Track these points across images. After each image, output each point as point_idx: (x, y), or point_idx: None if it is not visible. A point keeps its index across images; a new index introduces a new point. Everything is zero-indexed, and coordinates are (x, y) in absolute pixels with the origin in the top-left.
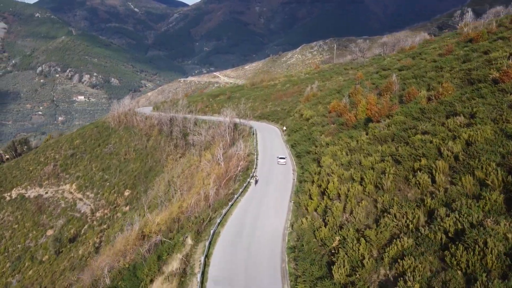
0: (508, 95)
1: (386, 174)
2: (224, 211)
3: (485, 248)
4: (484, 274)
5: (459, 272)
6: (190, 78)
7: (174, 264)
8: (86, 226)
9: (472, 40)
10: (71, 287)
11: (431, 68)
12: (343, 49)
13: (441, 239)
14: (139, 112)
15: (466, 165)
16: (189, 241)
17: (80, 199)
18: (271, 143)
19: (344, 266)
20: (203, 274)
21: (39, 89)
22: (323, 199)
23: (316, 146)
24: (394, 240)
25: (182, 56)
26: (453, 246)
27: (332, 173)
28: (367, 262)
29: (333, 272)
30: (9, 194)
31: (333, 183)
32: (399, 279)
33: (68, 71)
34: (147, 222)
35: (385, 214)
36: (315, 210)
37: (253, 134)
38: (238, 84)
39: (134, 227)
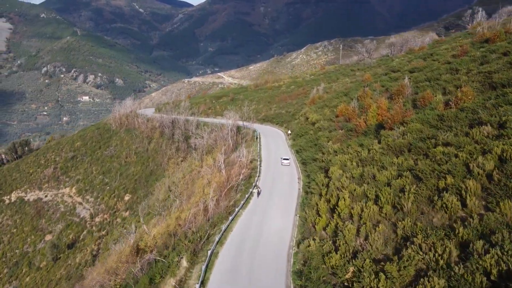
0: None
1: (406, 193)
2: (223, 227)
3: None
4: None
5: None
6: (194, 79)
7: None
8: (85, 232)
9: (489, 40)
10: None
11: (445, 70)
12: (348, 50)
13: (481, 282)
14: (141, 114)
15: (503, 187)
16: (184, 263)
17: (80, 203)
18: (275, 148)
19: None
20: None
21: (44, 90)
22: (332, 217)
23: (323, 153)
24: (421, 278)
25: (186, 56)
26: None
27: (343, 187)
28: None
29: None
30: (8, 197)
31: (344, 200)
32: None
33: (73, 71)
34: (142, 235)
35: (407, 242)
36: (324, 229)
37: (257, 138)
38: (242, 85)
39: (129, 240)
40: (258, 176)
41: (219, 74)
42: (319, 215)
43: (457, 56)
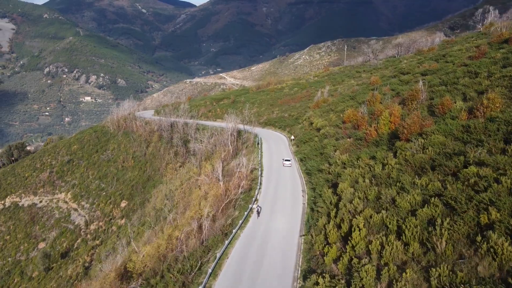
0: None
1: (437, 227)
2: (218, 254)
3: None
4: None
5: None
6: (196, 79)
7: None
8: (79, 240)
9: (508, 40)
10: None
11: (463, 73)
12: (351, 50)
13: None
14: (139, 117)
15: None
16: None
17: (75, 209)
18: (277, 156)
19: None
20: None
21: (46, 90)
22: (345, 248)
23: (329, 164)
24: None
25: (189, 56)
26: None
27: (356, 211)
28: None
29: None
30: (2, 202)
31: (360, 230)
32: None
33: (75, 71)
34: (132, 254)
35: None
36: (334, 261)
37: (258, 143)
38: (244, 85)
39: (116, 260)
40: (259, 188)
41: (221, 74)
42: (328, 243)
43: (474, 58)
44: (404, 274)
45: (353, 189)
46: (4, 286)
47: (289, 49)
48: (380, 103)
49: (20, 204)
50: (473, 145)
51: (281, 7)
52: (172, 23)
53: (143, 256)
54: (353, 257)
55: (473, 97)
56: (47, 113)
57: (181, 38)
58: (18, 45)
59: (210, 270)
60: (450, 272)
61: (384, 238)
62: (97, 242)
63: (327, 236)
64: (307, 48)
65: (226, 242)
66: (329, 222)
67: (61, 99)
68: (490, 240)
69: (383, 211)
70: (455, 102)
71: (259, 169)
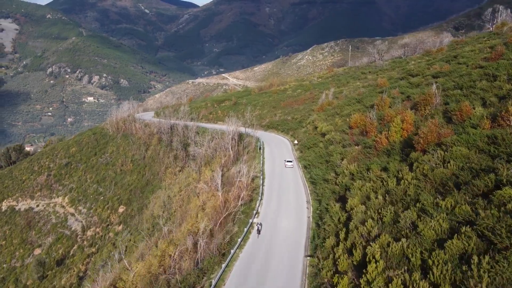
0: None
1: (473, 267)
2: (214, 280)
3: None
4: None
5: None
6: (198, 80)
7: None
8: (75, 247)
9: None
10: None
11: (479, 75)
12: (355, 51)
13: None
14: (139, 119)
15: None
16: None
17: (72, 214)
18: (280, 161)
19: None
20: None
21: (49, 90)
22: (358, 280)
23: (336, 174)
24: None
25: (191, 57)
26: None
27: (369, 235)
28: None
29: None
30: None
31: (376, 263)
32: None
33: (77, 72)
34: (122, 273)
35: None
36: None
37: (260, 148)
38: (246, 86)
39: (107, 276)
40: (260, 199)
41: (223, 75)
42: (338, 271)
43: (490, 59)
44: None
45: (364, 207)
46: None
47: (292, 49)
48: (389, 107)
49: (17, 208)
50: (503, 160)
51: (284, 7)
52: (175, 23)
53: (134, 275)
54: None
55: (493, 102)
56: (49, 114)
57: (184, 38)
58: (21, 45)
59: None
60: None
61: (407, 275)
62: (93, 249)
63: (337, 262)
64: (310, 49)
65: (223, 265)
66: (338, 244)
67: (64, 100)
68: None
69: (403, 239)
70: (474, 108)
71: (261, 177)
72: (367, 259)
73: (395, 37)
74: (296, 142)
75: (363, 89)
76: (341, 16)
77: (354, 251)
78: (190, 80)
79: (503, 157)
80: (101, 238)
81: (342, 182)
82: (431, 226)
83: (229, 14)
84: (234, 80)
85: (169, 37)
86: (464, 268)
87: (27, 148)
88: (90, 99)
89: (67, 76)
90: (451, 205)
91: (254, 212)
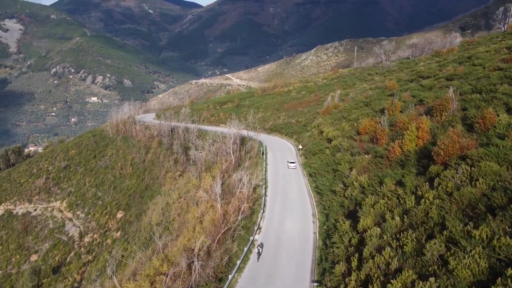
0: None
1: None
2: None
3: None
4: None
5: None
6: (202, 80)
7: None
8: (72, 253)
9: None
10: None
11: (499, 78)
12: (359, 51)
13: None
14: (139, 120)
15: None
16: None
17: (70, 219)
18: (284, 168)
19: None
20: None
21: (53, 90)
22: None
23: (345, 186)
24: None
25: (195, 57)
26: None
27: (388, 268)
28: None
29: None
30: None
31: None
32: None
33: (81, 72)
34: None
35: None
36: None
37: (263, 153)
38: (250, 86)
39: None
40: (262, 212)
41: (227, 75)
42: None
43: (509, 61)
44: None
45: (379, 229)
46: None
47: (296, 49)
48: (401, 111)
49: (14, 212)
50: None
51: (288, 7)
52: (178, 24)
53: None
54: None
55: None
56: (53, 114)
57: (188, 38)
58: (25, 45)
59: None
60: None
61: None
62: (90, 257)
63: None
64: (314, 49)
65: None
66: (349, 273)
67: (68, 100)
68: None
69: (431, 279)
70: (498, 115)
71: (263, 185)
72: None
73: (400, 37)
74: (300, 147)
75: (370, 91)
76: (345, 16)
77: (368, 281)
78: (193, 81)
79: None
80: (98, 244)
81: (352, 195)
82: (466, 263)
83: (233, 14)
84: (238, 80)
85: (173, 37)
86: None
87: (31, 148)
88: (94, 99)
89: (71, 76)
90: (486, 236)
91: (256, 227)
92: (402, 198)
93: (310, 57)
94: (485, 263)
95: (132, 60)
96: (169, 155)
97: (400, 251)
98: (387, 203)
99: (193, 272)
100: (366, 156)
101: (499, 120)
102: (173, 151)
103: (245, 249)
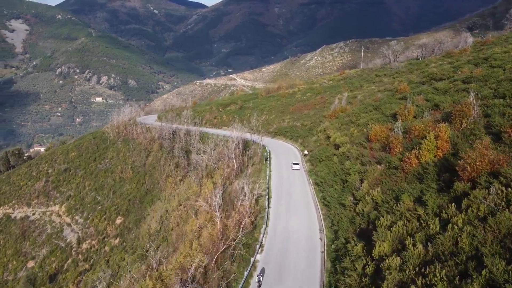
0: None
1: None
2: None
3: None
4: None
5: None
6: (206, 81)
7: None
8: (69, 260)
9: None
10: None
11: None
12: (365, 51)
13: None
14: (141, 122)
15: None
16: None
17: (68, 224)
18: (288, 175)
19: None
20: None
21: (58, 90)
22: None
23: (356, 200)
24: None
25: (200, 57)
26: None
27: None
28: None
29: None
30: None
31: None
32: None
33: (86, 72)
34: None
35: None
36: None
37: (266, 159)
38: (254, 87)
39: None
40: (265, 227)
41: (231, 76)
42: None
43: None
44: None
45: (399, 259)
46: None
47: (301, 49)
48: (414, 117)
49: (13, 216)
50: None
51: (293, 8)
52: (183, 24)
53: None
54: None
55: None
56: (58, 114)
57: (193, 38)
58: (31, 45)
59: None
60: None
61: None
62: (87, 266)
63: None
64: (319, 49)
65: None
66: None
67: (73, 100)
68: None
69: None
70: None
71: (266, 196)
72: None
73: (407, 37)
74: (306, 152)
75: (380, 94)
76: (350, 16)
77: None
78: (197, 81)
79: None
80: (96, 251)
81: (363, 211)
82: None
83: (237, 15)
84: (242, 81)
85: (178, 38)
86: None
87: (36, 148)
88: (99, 99)
89: (76, 77)
90: None
91: (258, 246)
92: (424, 221)
93: (315, 57)
94: None
95: (137, 60)
96: (170, 159)
97: (426, 287)
98: (406, 225)
99: None
100: (378, 166)
101: None
102: (174, 154)
103: (245, 273)
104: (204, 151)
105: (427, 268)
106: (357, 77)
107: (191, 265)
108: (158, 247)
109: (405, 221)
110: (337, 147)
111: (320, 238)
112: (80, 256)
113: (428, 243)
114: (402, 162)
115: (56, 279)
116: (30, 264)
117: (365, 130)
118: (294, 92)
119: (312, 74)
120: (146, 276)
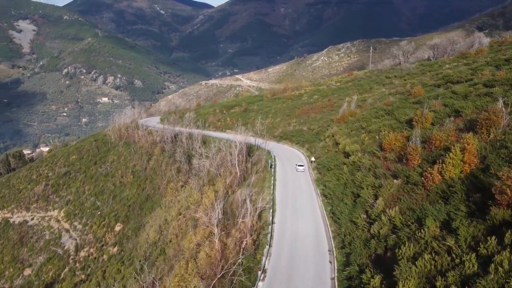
0: None
1: None
2: None
3: None
4: None
5: None
6: (212, 81)
7: None
8: (66, 269)
9: None
10: None
11: None
12: (372, 52)
13: None
14: (143, 125)
15: None
16: None
17: (67, 231)
18: (294, 184)
19: None
20: None
21: (65, 91)
22: None
23: (370, 218)
24: None
25: (206, 57)
26: None
27: None
28: None
29: None
30: None
31: None
32: None
33: (93, 72)
34: None
35: None
36: None
37: (271, 166)
38: (260, 87)
39: None
40: (269, 247)
41: (237, 76)
42: None
43: None
44: None
45: None
46: None
47: (307, 50)
48: (432, 123)
49: (11, 220)
50: None
51: (299, 8)
52: (189, 24)
53: None
54: None
55: None
56: (64, 114)
57: (199, 39)
58: (38, 46)
59: None
60: None
61: None
62: (83, 276)
63: None
64: (326, 49)
65: None
66: None
67: (79, 100)
68: None
69: None
70: None
71: (270, 210)
72: None
73: (414, 37)
74: (313, 159)
75: (391, 97)
76: (356, 16)
77: None
78: (203, 82)
79: None
80: (94, 260)
81: (379, 233)
82: None
83: (243, 15)
84: (248, 81)
85: (184, 38)
86: None
87: (42, 148)
88: (105, 99)
89: (82, 77)
90: None
91: (260, 272)
92: (457, 255)
93: (322, 57)
94: None
95: (143, 61)
96: (172, 164)
97: None
98: (435, 259)
99: None
100: (395, 180)
101: None
102: (175, 159)
103: None
104: (206, 155)
105: None
106: (366, 79)
107: None
108: (155, 260)
109: (433, 253)
110: (346, 155)
111: (330, 261)
112: (77, 264)
113: (462, 284)
114: (423, 178)
115: None
116: (27, 272)
117: (377, 137)
118: (300, 94)
119: (318, 75)
120: None
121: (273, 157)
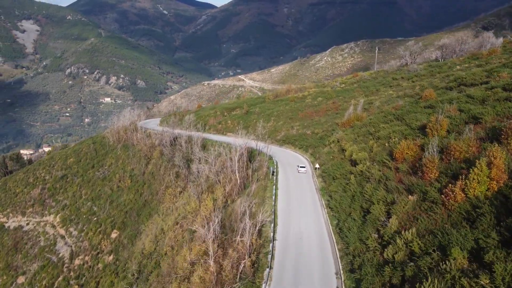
0: None
1: None
2: None
3: None
4: None
5: None
6: (214, 81)
7: None
8: (60, 278)
9: None
10: None
11: None
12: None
13: None
14: (142, 127)
15: None
16: None
17: (62, 237)
18: (297, 194)
19: None
20: None
21: (67, 91)
22: None
23: (383, 241)
24: None
25: (209, 57)
26: None
27: None
28: None
29: None
30: None
31: None
32: None
33: (95, 72)
34: None
35: None
36: None
37: (273, 174)
38: (263, 88)
39: None
40: (270, 268)
41: (240, 76)
42: None
43: None
44: None
45: None
46: None
47: (310, 50)
48: (447, 131)
49: (6, 225)
50: None
51: (302, 8)
52: (192, 24)
53: None
54: None
55: None
56: (67, 114)
57: (202, 39)
58: (42, 46)
59: None
60: None
61: None
62: (76, 287)
63: None
64: (329, 50)
65: None
66: None
67: (82, 100)
68: None
69: None
70: None
71: (272, 225)
72: None
73: (419, 37)
74: (317, 166)
75: (400, 100)
76: (360, 16)
77: None
78: (206, 82)
79: None
80: (88, 269)
81: (394, 258)
82: None
83: (246, 15)
84: (251, 82)
85: (187, 38)
86: None
87: (45, 148)
88: (107, 100)
89: (85, 77)
90: None
91: None
92: None
93: (325, 58)
94: None
95: (146, 61)
96: (171, 168)
97: None
98: None
99: None
100: (410, 196)
101: None
102: (174, 163)
103: None
104: (206, 160)
105: None
106: (372, 80)
107: None
108: (149, 275)
109: None
110: (354, 163)
111: (337, 287)
112: (72, 273)
113: None
114: (442, 195)
115: None
116: (20, 279)
117: (387, 144)
118: (304, 96)
119: (321, 75)
120: None
121: (275, 163)
